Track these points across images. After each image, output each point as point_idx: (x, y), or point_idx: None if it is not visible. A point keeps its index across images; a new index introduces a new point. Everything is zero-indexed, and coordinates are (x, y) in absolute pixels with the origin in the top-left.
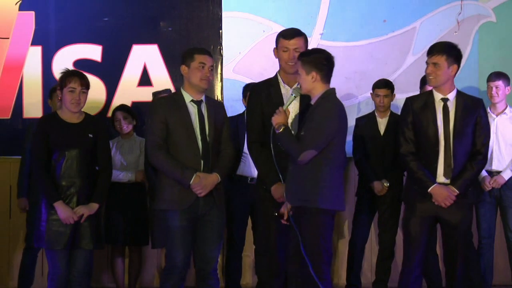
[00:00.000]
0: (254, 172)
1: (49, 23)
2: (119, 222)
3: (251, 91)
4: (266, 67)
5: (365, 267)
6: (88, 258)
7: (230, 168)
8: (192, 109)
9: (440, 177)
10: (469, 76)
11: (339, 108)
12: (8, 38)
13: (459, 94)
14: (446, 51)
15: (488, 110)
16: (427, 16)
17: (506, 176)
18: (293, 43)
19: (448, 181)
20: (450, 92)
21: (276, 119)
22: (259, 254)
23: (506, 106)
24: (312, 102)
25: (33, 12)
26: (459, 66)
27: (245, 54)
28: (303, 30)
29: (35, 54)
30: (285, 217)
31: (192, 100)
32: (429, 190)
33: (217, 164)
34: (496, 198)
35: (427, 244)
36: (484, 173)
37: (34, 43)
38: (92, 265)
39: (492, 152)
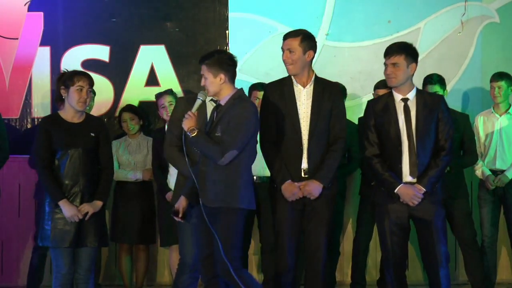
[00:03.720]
0: (261, 171)
1: (57, 24)
2: (127, 220)
3: (264, 90)
4: (272, 67)
5: (369, 265)
6: (93, 256)
7: None
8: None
9: (406, 177)
10: (472, 77)
11: (255, 109)
12: (17, 39)
13: (419, 92)
14: (404, 51)
15: (492, 110)
16: (431, 17)
17: (510, 175)
18: (286, 44)
19: (414, 180)
20: (409, 92)
21: (187, 124)
22: (266, 252)
23: (510, 106)
24: (222, 103)
25: (41, 13)
26: (416, 65)
27: (251, 54)
28: (309, 31)
29: (44, 54)
30: (180, 215)
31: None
32: (395, 190)
33: None
34: (499, 197)
35: (406, 244)
36: (487, 172)
37: (42, 43)
38: (100, 262)
39: (495, 151)
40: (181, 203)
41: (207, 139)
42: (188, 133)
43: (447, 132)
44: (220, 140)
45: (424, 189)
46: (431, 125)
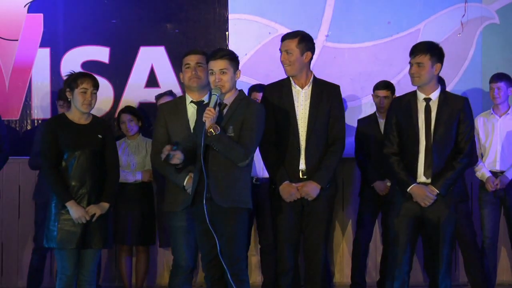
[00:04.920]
0: (260, 172)
1: (57, 25)
2: (127, 221)
3: (263, 92)
4: (271, 68)
5: (369, 266)
6: (97, 258)
7: None
8: (192, 110)
9: (421, 177)
10: (473, 78)
11: (264, 109)
12: (17, 40)
13: (443, 93)
14: (429, 51)
15: (491, 111)
16: (431, 18)
17: (510, 176)
18: (284, 45)
19: (428, 181)
20: (433, 92)
21: (210, 120)
22: (265, 253)
23: (509, 107)
24: (227, 102)
25: (41, 14)
26: (442, 65)
27: (251, 55)
28: (308, 32)
29: (43, 55)
30: (169, 156)
31: (192, 101)
32: (408, 190)
33: None
34: (500, 198)
35: (413, 243)
36: (488, 173)
37: (42, 45)
38: (100, 264)
39: (495, 153)
40: (178, 152)
41: (229, 138)
42: (210, 130)
43: (468, 134)
44: (241, 141)
45: (437, 191)
46: (452, 127)
